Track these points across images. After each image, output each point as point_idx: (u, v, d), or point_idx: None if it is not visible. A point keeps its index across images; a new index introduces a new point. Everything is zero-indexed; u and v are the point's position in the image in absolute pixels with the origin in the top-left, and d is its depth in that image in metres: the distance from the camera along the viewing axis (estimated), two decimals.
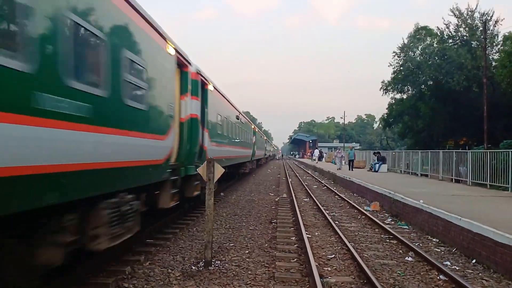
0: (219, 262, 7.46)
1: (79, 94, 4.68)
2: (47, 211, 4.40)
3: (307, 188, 20.93)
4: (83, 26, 4.81)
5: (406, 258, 7.92)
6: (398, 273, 6.94)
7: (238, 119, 21.00)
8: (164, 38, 8.12)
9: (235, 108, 21.02)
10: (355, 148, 41.05)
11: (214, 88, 13.86)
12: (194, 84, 10.65)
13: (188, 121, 10.08)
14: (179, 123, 9.46)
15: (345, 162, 35.58)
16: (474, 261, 7.64)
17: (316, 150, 62.34)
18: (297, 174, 34.16)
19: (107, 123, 5.43)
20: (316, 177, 30.57)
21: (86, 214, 5.27)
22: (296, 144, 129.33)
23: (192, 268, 7.12)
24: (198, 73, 11.07)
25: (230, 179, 22.80)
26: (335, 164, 35.74)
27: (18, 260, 4.62)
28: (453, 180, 19.40)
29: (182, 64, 9.68)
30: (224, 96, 16.88)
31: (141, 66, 6.72)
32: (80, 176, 4.77)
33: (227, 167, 15.87)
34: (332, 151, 69.31)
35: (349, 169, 30.93)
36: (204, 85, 11.96)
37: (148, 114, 7.01)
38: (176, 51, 8.97)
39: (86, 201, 5.09)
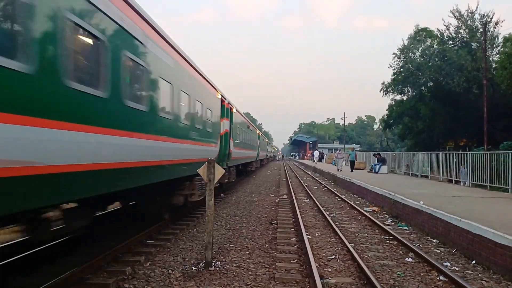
0: (219, 262, 7.47)
1: (198, 130, 11.23)
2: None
3: (307, 189, 20.95)
4: (187, 94, 10.09)
5: (406, 259, 7.94)
6: (398, 274, 6.95)
7: (248, 128, 27.27)
8: (216, 89, 14.35)
9: (247, 120, 28.12)
10: (356, 149, 40.41)
11: (236, 110, 20.59)
12: (226, 111, 16.67)
13: (224, 134, 15.81)
14: (220, 136, 15.03)
15: (345, 163, 35.30)
16: (474, 262, 7.65)
17: (316, 151, 62.49)
18: (298, 175, 34.17)
19: (203, 141, 11.88)
20: (317, 178, 30.58)
21: (192, 182, 10.86)
22: (296, 145, 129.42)
23: (192, 268, 7.13)
24: (229, 103, 17.45)
25: (242, 174, 29.15)
26: (335, 165, 34.71)
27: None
28: (453, 181, 19.41)
29: (222, 100, 15.69)
30: (240, 113, 23.75)
31: (210, 110, 12.95)
32: (193, 164, 9.87)
33: (242, 165, 25.82)
34: (332, 152, 69.32)
35: (351, 171, 30.25)
36: (230, 108, 17.95)
37: (212, 133, 13.23)
38: (221, 95, 15.34)
39: (192, 176, 10.40)
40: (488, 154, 16.84)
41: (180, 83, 9.35)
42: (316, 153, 58.80)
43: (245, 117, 27.40)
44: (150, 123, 7.37)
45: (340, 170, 31.00)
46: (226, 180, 18.14)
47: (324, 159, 58.91)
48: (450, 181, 19.78)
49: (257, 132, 38.04)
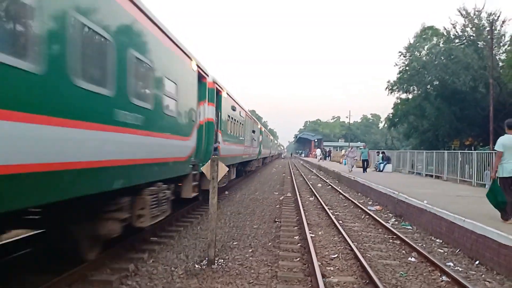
0: (222, 260, 7.49)
1: (146, 111, 6.99)
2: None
3: (311, 187, 20.94)
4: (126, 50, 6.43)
5: (409, 258, 7.92)
6: (401, 274, 6.94)
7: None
8: (189, 57, 10.00)
9: (244, 110, 22.89)
10: (360, 147, 38.30)
11: (228, 94, 16.15)
12: (210, 92, 12.54)
13: (205, 124, 11.79)
14: (199, 125, 11.21)
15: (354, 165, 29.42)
16: (477, 262, 7.62)
17: (318, 149, 62.86)
18: (302, 173, 34.15)
19: (158, 130, 7.71)
20: (321, 176, 30.56)
21: (137, 197, 7.16)
22: (302, 143, 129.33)
23: (195, 266, 7.15)
24: (214, 82, 13.07)
25: (239, 176, 23.83)
26: (346, 165, 29.77)
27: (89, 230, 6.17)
28: (458, 180, 19.32)
29: (201, 75, 11.34)
30: (234, 100, 18.58)
31: (174, 83, 8.66)
32: (136, 168, 6.81)
33: (240, 164, 21.08)
34: (337, 150, 69.11)
35: (363, 171, 26.77)
36: (218, 91, 13.87)
37: (179, 119, 9.21)
38: (198, 66, 10.79)
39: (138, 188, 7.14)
40: (494, 153, 16.72)
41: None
42: (318, 151, 58.87)
43: (242, 106, 22.03)
44: (48, 95, 4.38)
45: (351, 171, 26.89)
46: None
47: (329, 157, 58.66)
48: (455, 180, 19.67)
49: (259, 126, 34.25)
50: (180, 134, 9.20)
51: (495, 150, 8.84)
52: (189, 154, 10.05)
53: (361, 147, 30.15)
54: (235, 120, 18.43)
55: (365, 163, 27.26)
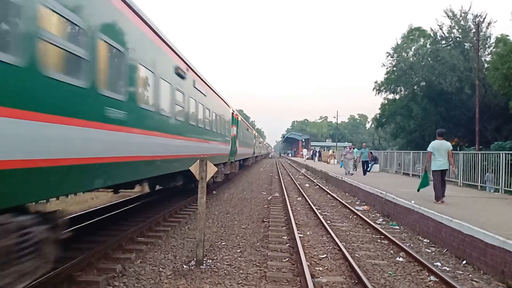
0: (210, 261, 7.44)
1: (220, 135, 17.85)
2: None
3: (299, 187, 20.96)
4: (220, 116, 17.99)
5: (397, 258, 7.95)
6: (389, 274, 6.96)
7: (247, 130, 34.50)
8: (229, 106, 21.01)
9: (246, 124, 35.16)
10: (346, 147, 35.44)
11: (241, 118, 27.51)
12: (234, 119, 22.84)
13: (233, 137, 21.96)
14: (231, 138, 21.25)
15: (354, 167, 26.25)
16: (464, 262, 7.68)
17: (305, 149, 63.70)
18: (290, 173, 34.19)
19: (223, 141, 18.61)
20: (309, 176, 30.63)
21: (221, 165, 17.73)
22: (289, 142, 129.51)
23: (183, 267, 7.09)
24: (236, 114, 24.43)
25: (242, 168, 33.76)
26: (344, 168, 25.70)
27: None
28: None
29: (232, 112, 22.09)
30: (243, 120, 30.73)
31: (226, 121, 19.64)
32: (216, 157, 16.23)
33: (242, 160, 31.66)
34: (325, 150, 69.31)
35: (363, 174, 24.02)
36: (237, 118, 24.17)
37: (227, 136, 19.78)
38: (232, 109, 22.09)
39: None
40: (480, 154, 16.94)
41: (210, 104, 15.00)
42: (305, 151, 59.31)
43: (246, 122, 35.57)
44: (200, 133, 13.08)
45: (351, 174, 23.88)
46: (233, 170, 23.98)
47: (316, 157, 58.78)
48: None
49: (253, 132, 43.62)
50: (226, 142, 19.18)
51: (426, 151, 12.64)
52: (228, 152, 19.92)
53: (361, 147, 25.95)
54: (242, 131, 28.83)
55: (365, 164, 24.80)
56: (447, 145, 11.63)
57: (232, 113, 22.75)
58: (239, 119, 26.40)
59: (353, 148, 26.72)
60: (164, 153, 9.32)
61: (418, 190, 12.36)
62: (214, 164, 7.67)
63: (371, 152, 30.09)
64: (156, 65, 8.58)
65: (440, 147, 11.55)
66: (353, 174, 23.90)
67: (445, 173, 11.80)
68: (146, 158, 8.06)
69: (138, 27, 7.64)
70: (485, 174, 15.90)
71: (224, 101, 19.90)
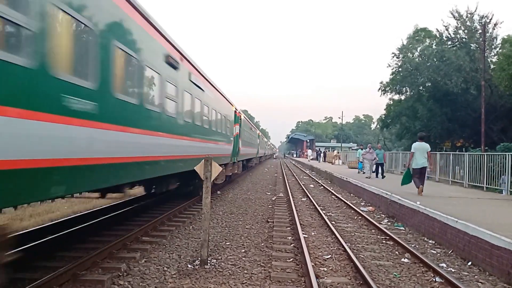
0: (215, 260, 7.43)
1: (222, 134, 17.32)
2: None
3: (304, 188, 20.93)
4: (222, 114, 17.29)
5: (402, 259, 7.92)
6: (394, 275, 6.93)
7: (251, 129, 32.82)
8: (231, 104, 20.40)
9: (249, 122, 33.49)
10: (353, 148, 35.17)
11: (244, 116, 26.56)
12: (236, 118, 21.87)
13: (235, 136, 21.15)
14: (233, 137, 20.47)
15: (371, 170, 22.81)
16: (470, 263, 7.64)
17: (309, 150, 64.12)
18: (294, 174, 34.15)
19: (225, 141, 18.00)
20: (313, 177, 30.59)
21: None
22: (294, 143, 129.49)
23: (188, 266, 7.09)
24: (239, 112, 23.32)
25: (245, 168, 32.78)
26: (362, 169, 24.33)
27: None
28: (450, 182, 19.42)
29: (235, 111, 21.41)
30: (246, 118, 29.56)
31: (228, 119, 18.96)
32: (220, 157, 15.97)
33: (245, 160, 30.60)
34: (330, 150, 69.06)
35: (381, 176, 21.82)
36: (239, 116, 23.18)
37: (229, 135, 18.91)
38: (235, 107, 21.40)
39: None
40: (485, 155, 16.85)
41: (209, 101, 14.05)
42: (310, 152, 59.34)
43: (249, 120, 33.41)
44: (197, 132, 12.16)
45: (369, 177, 21.59)
46: (236, 171, 22.98)
47: (321, 158, 58.63)
48: (447, 181, 19.77)
49: (257, 132, 42.15)
50: (230, 142, 19.01)
51: (408, 151, 15.47)
52: (230, 152, 19.28)
53: (375, 149, 23.20)
54: (245, 130, 27.32)
55: (380, 167, 22.31)
56: (426, 146, 13.51)
57: (235, 111, 21.19)
58: (242, 117, 24.85)
59: (380, 149, 23.37)
60: (147, 153, 7.98)
61: (402, 185, 14.11)
62: None
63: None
64: (138, 48, 7.32)
65: (420, 148, 13.43)
66: (370, 177, 21.59)
67: (424, 170, 13.64)
68: (120, 160, 6.66)
69: None
70: (500, 177, 15.57)
71: (226, 98, 18.62)
